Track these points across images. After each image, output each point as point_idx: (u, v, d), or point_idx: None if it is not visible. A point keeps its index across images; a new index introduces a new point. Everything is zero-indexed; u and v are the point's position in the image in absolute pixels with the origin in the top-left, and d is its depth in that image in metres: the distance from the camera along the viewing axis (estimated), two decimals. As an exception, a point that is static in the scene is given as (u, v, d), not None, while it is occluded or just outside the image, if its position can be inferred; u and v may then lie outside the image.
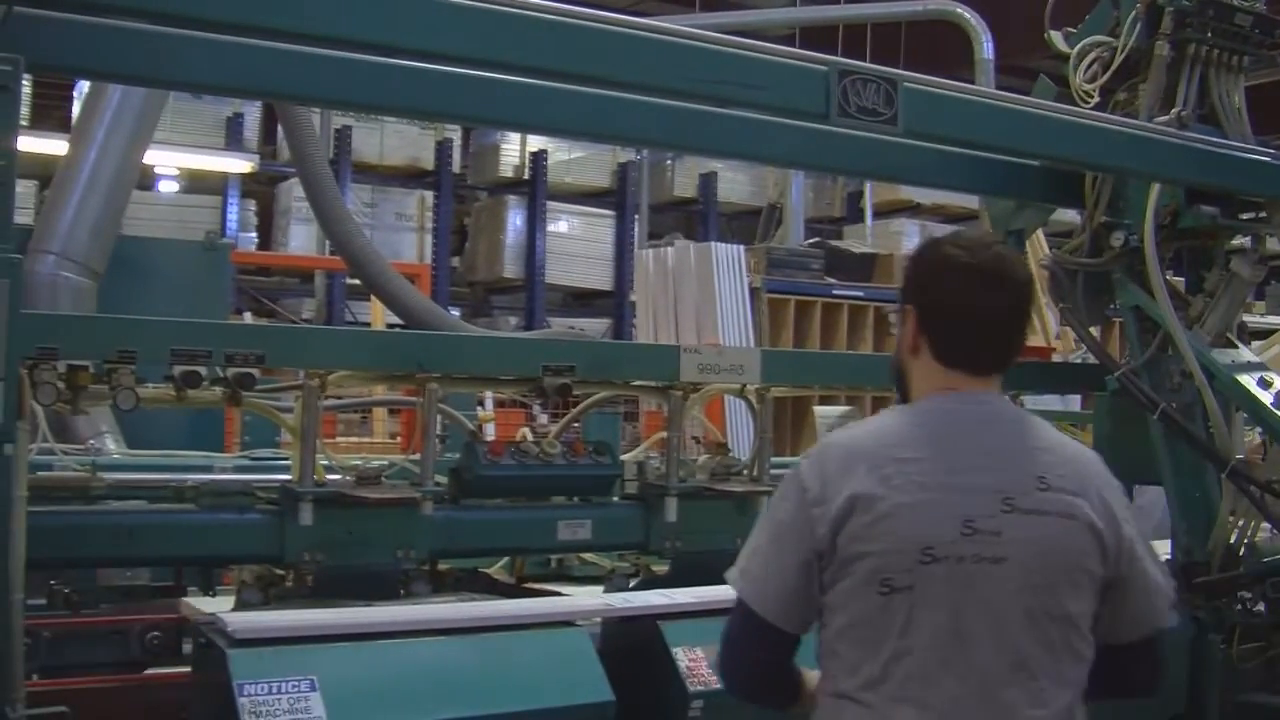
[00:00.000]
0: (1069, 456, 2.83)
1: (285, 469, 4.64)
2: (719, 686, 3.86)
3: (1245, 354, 5.53)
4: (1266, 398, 5.27)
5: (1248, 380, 5.31)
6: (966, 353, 2.83)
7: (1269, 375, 5.38)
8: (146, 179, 15.30)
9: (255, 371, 3.95)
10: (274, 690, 3.33)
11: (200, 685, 3.69)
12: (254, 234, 17.01)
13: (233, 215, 16.29)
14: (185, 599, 4.13)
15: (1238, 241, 5.70)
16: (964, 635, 2.65)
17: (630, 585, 4.74)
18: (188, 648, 4.08)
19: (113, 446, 6.73)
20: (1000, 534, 2.66)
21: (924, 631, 2.64)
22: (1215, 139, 5.36)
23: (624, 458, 4.92)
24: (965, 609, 2.65)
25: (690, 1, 18.31)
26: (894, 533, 2.64)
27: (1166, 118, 5.26)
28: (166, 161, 15.15)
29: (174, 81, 4.39)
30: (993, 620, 2.66)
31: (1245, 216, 5.55)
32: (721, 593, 4.29)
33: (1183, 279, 5.75)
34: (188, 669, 3.93)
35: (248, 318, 13.94)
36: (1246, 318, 5.84)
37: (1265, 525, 5.21)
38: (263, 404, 4.37)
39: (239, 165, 15.47)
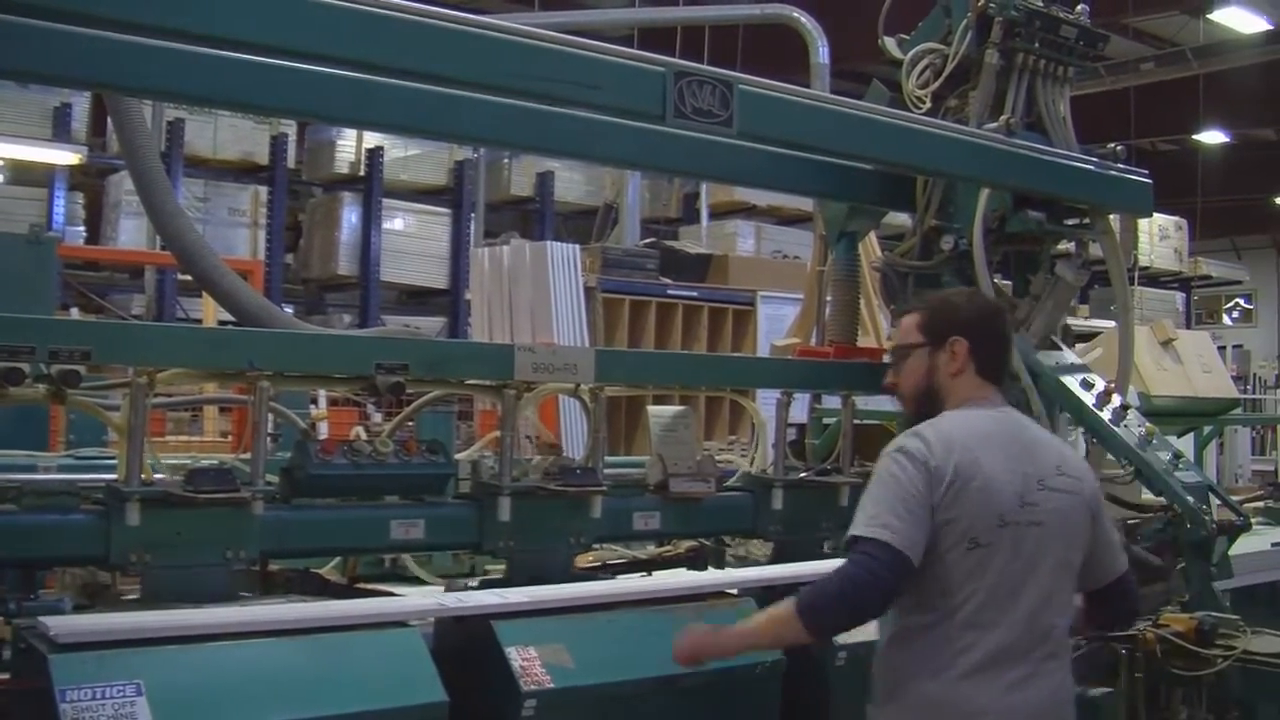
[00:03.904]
0: (1067, 451, 3.93)
1: (112, 468, 4.54)
2: (551, 686, 3.90)
3: (1069, 356, 5.68)
4: (1088, 399, 5.42)
5: (1071, 382, 5.46)
6: (995, 370, 3.88)
7: (1091, 377, 5.53)
8: (-32, 170, 14.90)
9: (81, 369, 3.85)
10: (98, 696, 3.24)
11: (20, 692, 3.58)
12: (82, 227, 16.60)
13: (59, 208, 15.86)
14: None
15: (1063, 246, 5.85)
16: (1018, 576, 3.60)
17: (467, 586, 4.72)
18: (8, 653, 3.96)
19: (-71, 445, 6.52)
20: (1038, 505, 3.65)
21: (992, 575, 3.59)
22: (1041, 146, 5.50)
23: (458, 457, 4.88)
24: (1020, 559, 3.61)
25: (529, 0, 18.28)
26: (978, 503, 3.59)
27: (995, 124, 5.39)
28: (-11, 152, 14.77)
29: (-2, 70, 4.26)
30: (1033, 567, 3.63)
31: (1070, 222, 5.70)
32: (554, 592, 4.32)
33: (1010, 283, 5.88)
34: (5, 675, 3.82)
35: (75, 313, 13.59)
36: (1070, 321, 5.99)
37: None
38: (89, 402, 4.26)
39: (66, 157, 15.07)
